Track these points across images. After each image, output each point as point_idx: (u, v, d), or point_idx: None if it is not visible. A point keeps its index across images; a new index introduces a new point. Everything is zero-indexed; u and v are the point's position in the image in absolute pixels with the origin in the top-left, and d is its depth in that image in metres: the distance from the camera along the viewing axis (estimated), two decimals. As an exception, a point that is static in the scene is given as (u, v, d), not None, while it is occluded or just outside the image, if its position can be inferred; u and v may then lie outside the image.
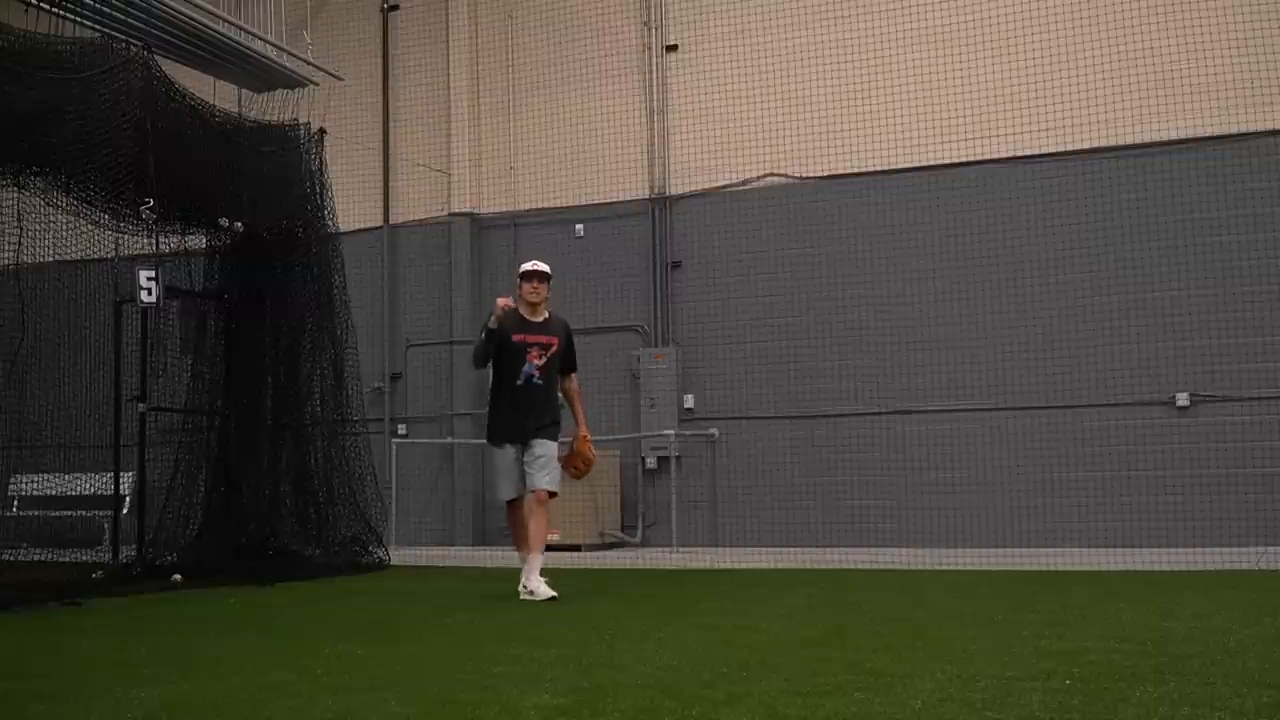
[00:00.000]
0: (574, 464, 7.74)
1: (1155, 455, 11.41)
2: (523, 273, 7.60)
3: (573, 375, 7.74)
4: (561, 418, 7.61)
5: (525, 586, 7.32)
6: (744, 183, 13.30)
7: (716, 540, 13.01)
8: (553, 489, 7.42)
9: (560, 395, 7.68)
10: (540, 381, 7.48)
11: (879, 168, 12.68)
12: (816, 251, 12.90)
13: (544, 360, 7.47)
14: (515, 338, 7.44)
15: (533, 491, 7.38)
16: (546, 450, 7.43)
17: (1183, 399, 11.39)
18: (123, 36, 9.37)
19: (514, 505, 7.53)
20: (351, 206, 13.05)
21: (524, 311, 7.56)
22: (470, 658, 4.81)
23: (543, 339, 7.50)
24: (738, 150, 13.31)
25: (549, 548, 12.49)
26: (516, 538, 7.63)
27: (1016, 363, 12.00)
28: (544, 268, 7.61)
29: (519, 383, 7.46)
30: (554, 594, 7.19)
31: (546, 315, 7.60)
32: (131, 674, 4.59)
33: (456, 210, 14.51)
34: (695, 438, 13.20)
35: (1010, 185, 12.17)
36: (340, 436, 10.69)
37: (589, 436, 7.78)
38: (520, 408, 7.48)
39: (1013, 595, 6.99)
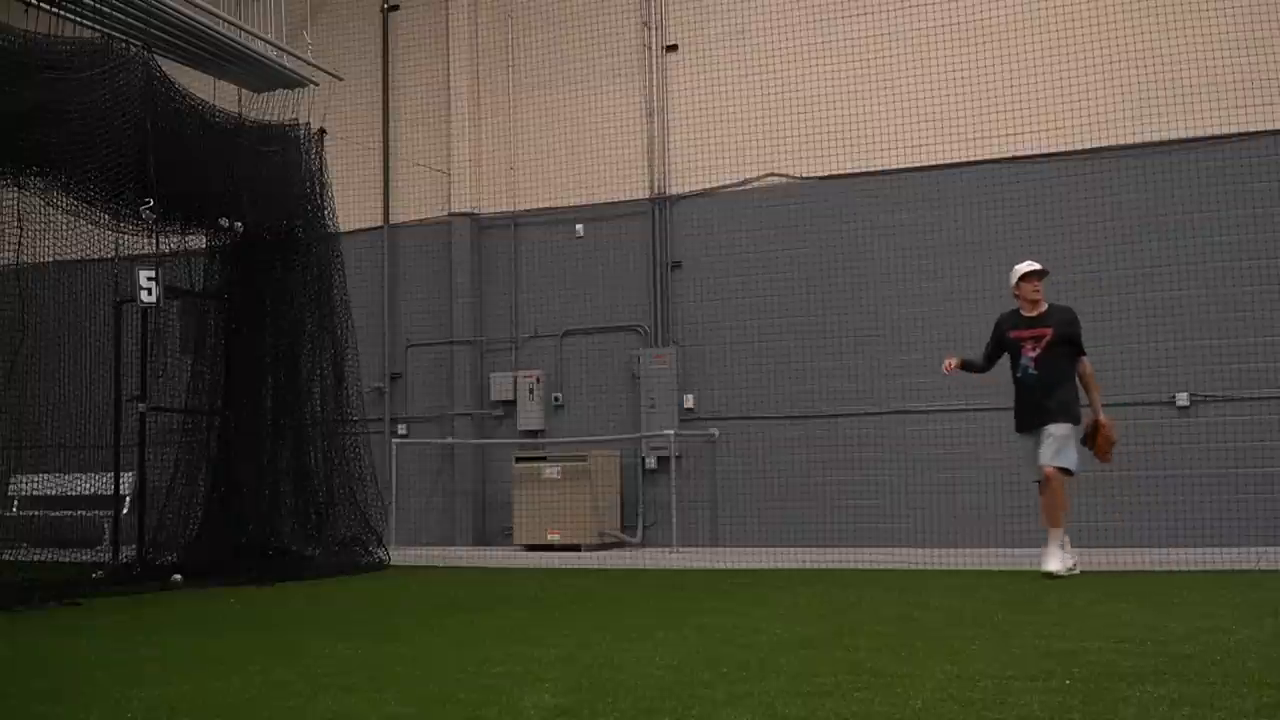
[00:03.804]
0: (1098, 446, 8.33)
1: (1155, 455, 11.40)
2: (1023, 274, 8.45)
3: (1081, 359, 8.35)
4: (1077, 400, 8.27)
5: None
6: (744, 183, 13.30)
7: (716, 540, 13.01)
8: (1058, 464, 8.03)
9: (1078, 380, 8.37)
10: (1035, 371, 8.21)
11: (879, 168, 12.67)
12: (816, 251, 12.90)
13: (1039, 350, 8.22)
14: (1011, 334, 8.39)
15: (1042, 467, 8.14)
16: (1059, 431, 8.09)
17: (1183, 399, 11.39)
18: (123, 36, 9.37)
19: (1039, 485, 8.28)
20: (351, 206, 13.06)
21: (1024, 310, 8.45)
22: (470, 658, 4.82)
23: (1037, 331, 8.28)
24: (738, 150, 13.31)
25: (551, 547, 12.57)
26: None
27: (1016, 363, 11.99)
28: (1039, 266, 8.50)
29: (1018, 375, 8.35)
30: (1054, 570, 7.88)
31: (1042, 309, 8.41)
32: (131, 674, 4.59)
33: (456, 210, 14.51)
34: (695, 438, 13.20)
35: (1010, 185, 12.17)
36: (340, 436, 10.69)
37: (1105, 421, 8.30)
38: (1023, 404, 8.34)
39: (1013, 595, 6.99)
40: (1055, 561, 7.95)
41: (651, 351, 13.45)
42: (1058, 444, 8.06)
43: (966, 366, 8.79)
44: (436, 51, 14.86)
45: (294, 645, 5.47)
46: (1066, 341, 8.26)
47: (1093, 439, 8.33)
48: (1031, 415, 8.25)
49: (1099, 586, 7.40)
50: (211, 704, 3.88)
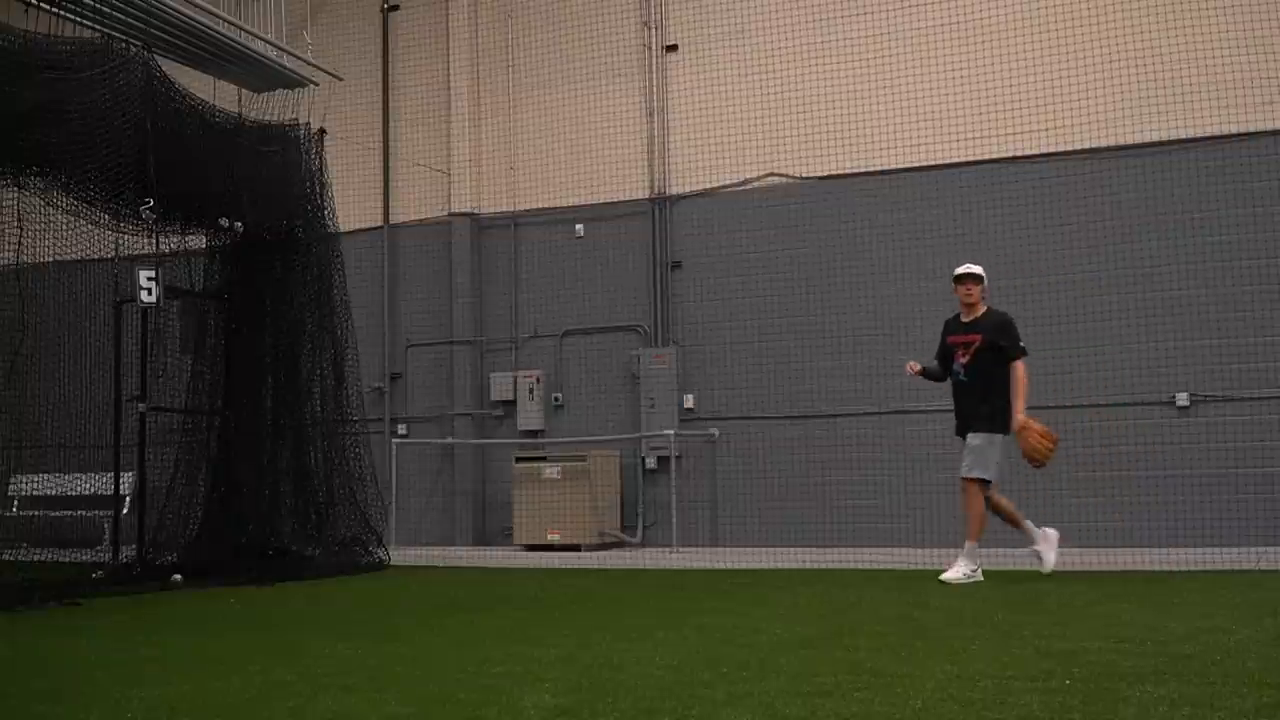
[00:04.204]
0: (1023, 452, 8.20)
1: (1155, 455, 11.40)
2: (953, 277, 8.51)
3: (1015, 363, 8.20)
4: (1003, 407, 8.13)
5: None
6: (744, 183, 13.30)
7: (716, 540, 13.00)
8: (971, 476, 8.05)
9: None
10: (965, 378, 8.26)
11: (879, 168, 12.67)
12: (816, 251, 12.90)
13: (968, 357, 8.23)
14: (949, 340, 8.44)
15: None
16: (974, 441, 8.11)
17: (1183, 399, 11.38)
18: (123, 36, 9.37)
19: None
20: (351, 206, 13.06)
21: (962, 315, 8.45)
22: (470, 658, 4.82)
23: (966, 338, 8.28)
24: (738, 150, 13.31)
25: (551, 547, 12.57)
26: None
27: (1016, 363, 11.98)
28: (973, 269, 8.45)
29: (953, 381, 8.42)
30: (953, 578, 7.85)
31: (977, 314, 8.39)
32: (131, 674, 4.59)
33: (456, 210, 14.51)
34: (695, 438, 13.20)
35: (1010, 185, 12.17)
36: (340, 436, 10.69)
37: (1027, 422, 8.10)
38: (958, 408, 8.37)
39: (1013, 595, 6.99)
40: (956, 570, 7.93)
41: (651, 351, 13.45)
42: (973, 455, 8.09)
43: (926, 374, 8.73)
44: (436, 51, 14.86)
45: (294, 645, 5.47)
46: (995, 349, 8.19)
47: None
48: (961, 421, 8.34)
49: (1099, 586, 7.41)
50: (211, 704, 3.88)
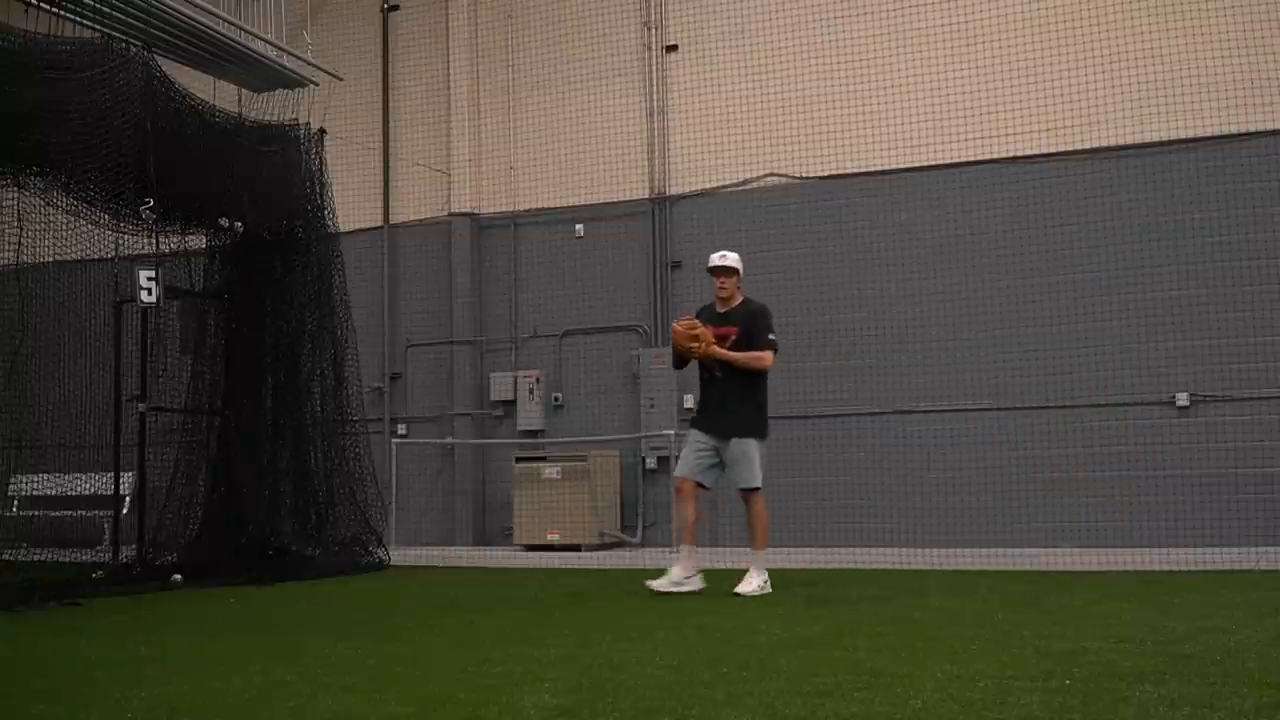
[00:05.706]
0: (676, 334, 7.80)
1: (1155, 455, 11.40)
2: (708, 269, 7.83)
3: (764, 351, 7.57)
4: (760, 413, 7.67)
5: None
6: (744, 183, 13.29)
7: (716, 540, 12.98)
8: (751, 486, 7.70)
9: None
10: (719, 374, 7.61)
11: (879, 168, 12.67)
12: (816, 251, 12.89)
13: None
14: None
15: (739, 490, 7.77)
16: (738, 450, 7.60)
17: (1183, 399, 11.38)
18: (123, 36, 9.37)
19: (677, 485, 7.95)
20: (351, 206, 13.04)
21: (717, 305, 7.84)
22: (470, 658, 4.82)
23: (721, 331, 7.61)
24: (738, 150, 13.31)
25: (551, 547, 12.57)
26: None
27: (1016, 363, 11.99)
28: (727, 261, 7.73)
29: (705, 377, 7.76)
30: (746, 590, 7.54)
31: (733, 305, 7.78)
32: (131, 674, 4.59)
33: (456, 210, 14.51)
34: (695, 438, 13.17)
35: (1010, 185, 12.17)
36: (340, 436, 10.69)
37: (699, 332, 7.56)
38: (708, 401, 7.79)
39: (1013, 595, 6.99)
40: (752, 583, 7.57)
41: (651, 351, 13.44)
42: (745, 464, 7.59)
43: (676, 357, 7.99)
44: (436, 51, 14.86)
45: (294, 645, 5.47)
46: (750, 340, 7.58)
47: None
48: (711, 419, 7.72)
49: (1099, 586, 7.41)
50: (211, 704, 3.89)
